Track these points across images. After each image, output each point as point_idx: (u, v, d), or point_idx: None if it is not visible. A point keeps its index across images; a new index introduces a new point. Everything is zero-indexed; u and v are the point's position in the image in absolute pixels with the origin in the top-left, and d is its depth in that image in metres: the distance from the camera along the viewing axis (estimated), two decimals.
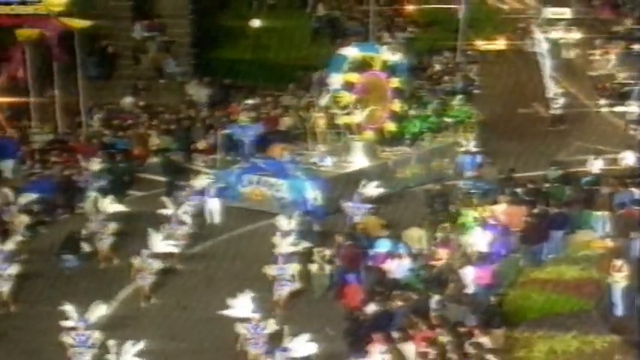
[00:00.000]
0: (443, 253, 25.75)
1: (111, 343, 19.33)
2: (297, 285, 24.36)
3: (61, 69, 38.87)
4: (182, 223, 27.49)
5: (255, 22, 54.55)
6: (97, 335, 20.23)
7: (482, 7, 63.41)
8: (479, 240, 26.52)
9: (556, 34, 58.81)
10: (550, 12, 62.56)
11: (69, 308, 20.47)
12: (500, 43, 56.62)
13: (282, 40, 51.84)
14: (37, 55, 38.93)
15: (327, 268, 24.92)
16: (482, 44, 55.74)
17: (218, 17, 55.38)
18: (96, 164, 32.00)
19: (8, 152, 35.03)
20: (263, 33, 53.87)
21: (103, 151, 36.00)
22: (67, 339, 20.35)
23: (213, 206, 30.48)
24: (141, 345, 19.18)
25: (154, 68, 48.66)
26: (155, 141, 37.64)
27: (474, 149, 35.27)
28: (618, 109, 43.54)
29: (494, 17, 64.08)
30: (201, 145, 37.06)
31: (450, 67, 51.51)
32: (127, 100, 43.21)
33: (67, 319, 20.44)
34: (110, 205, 27.81)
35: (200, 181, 30.49)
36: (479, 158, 34.43)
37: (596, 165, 34.07)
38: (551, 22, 60.63)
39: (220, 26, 54.27)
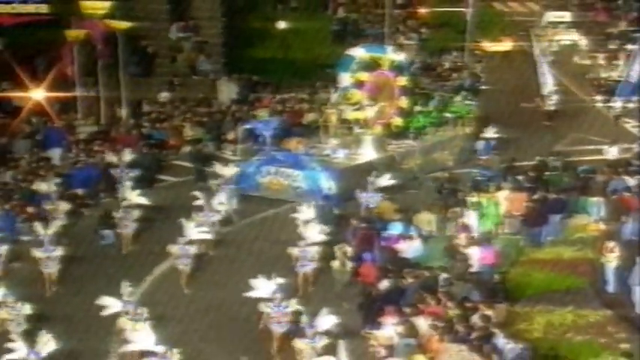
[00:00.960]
0: (462, 237, 25.68)
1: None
2: (317, 264, 24.42)
3: (104, 66, 39.09)
4: (216, 211, 27.45)
5: (281, 24, 54.61)
6: (146, 311, 20.31)
7: (489, 10, 63.15)
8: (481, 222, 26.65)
9: (557, 36, 58.68)
10: (552, 16, 62.39)
11: (108, 298, 20.57)
12: (504, 44, 56.41)
13: (304, 41, 51.87)
14: (84, 54, 39.17)
15: (349, 265, 24.30)
16: (488, 45, 55.56)
17: (247, 19, 55.40)
18: (127, 155, 31.86)
19: (56, 141, 35.30)
20: (288, 34, 53.88)
21: (142, 142, 36.37)
22: (123, 322, 20.36)
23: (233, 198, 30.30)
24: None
25: (189, 66, 48.76)
26: (189, 132, 37.76)
27: (493, 135, 34.89)
28: (610, 103, 43.32)
29: (500, 20, 63.85)
30: (230, 135, 37.11)
31: (458, 65, 51.43)
32: (164, 95, 43.33)
33: (108, 305, 20.51)
34: (137, 197, 27.84)
35: (231, 170, 30.47)
36: (493, 143, 34.07)
37: (611, 152, 33.99)
38: (553, 25, 60.52)
39: (249, 28, 54.33)
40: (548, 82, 43.69)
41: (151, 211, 28.49)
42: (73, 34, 38.81)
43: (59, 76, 38.81)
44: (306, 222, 25.51)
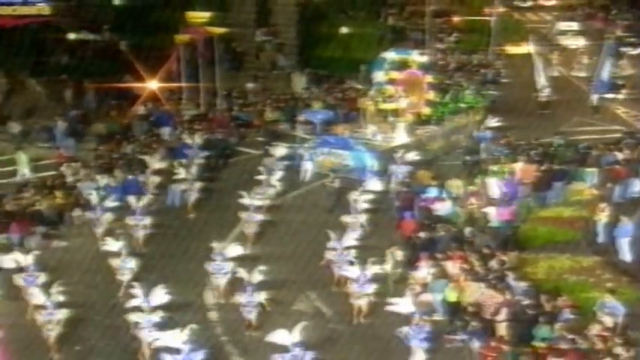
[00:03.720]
0: (473, 200, 25.72)
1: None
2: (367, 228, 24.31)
3: (204, 63, 39.35)
4: (272, 185, 27.17)
5: (343, 29, 54.57)
6: (231, 265, 20.60)
7: (509, 19, 62.53)
8: (500, 188, 26.62)
9: (566, 41, 57.81)
10: (562, 25, 61.48)
11: (216, 244, 20.97)
12: (521, 46, 55.66)
13: (361, 43, 51.72)
14: (188, 54, 39.41)
15: (399, 270, 21.39)
16: (508, 47, 54.89)
17: (316, 26, 55.43)
18: (199, 139, 31.68)
19: (166, 122, 35.63)
20: (348, 37, 53.90)
21: (232, 122, 36.71)
22: (209, 268, 20.79)
23: (308, 167, 30.39)
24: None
25: (269, 62, 49.04)
26: (269, 115, 37.83)
27: (495, 125, 34.28)
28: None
29: (518, 27, 63.13)
30: (300, 118, 37.08)
31: (484, 62, 50.93)
32: (250, 85, 43.53)
33: (211, 255, 20.85)
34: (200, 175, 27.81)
35: (280, 151, 30.23)
36: (489, 133, 33.55)
37: None
38: (562, 33, 59.67)
39: (318, 32, 54.29)
40: (541, 78, 42.91)
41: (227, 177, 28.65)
42: (180, 37, 39.18)
43: (169, 71, 39.21)
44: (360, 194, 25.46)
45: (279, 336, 16.49)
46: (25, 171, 30.06)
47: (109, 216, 24.47)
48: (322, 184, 29.18)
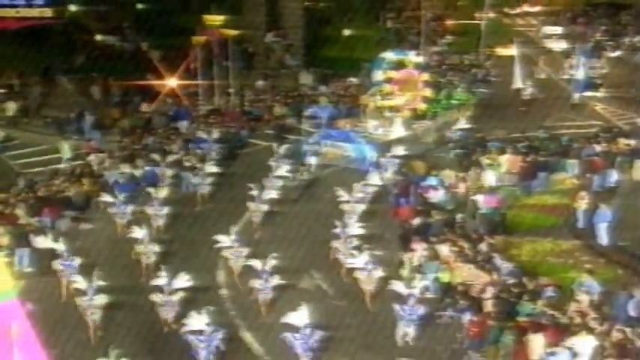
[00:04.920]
0: (461, 186, 25.85)
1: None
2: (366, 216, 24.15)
3: (218, 63, 39.42)
4: (281, 178, 26.95)
5: (346, 32, 54.50)
6: (247, 249, 20.68)
7: (498, 23, 62.27)
8: (489, 177, 26.66)
9: (551, 44, 57.56)
10: (547, 29, 61.20)
11: (222, 236, 20.92)
12: (509, 48, 55.39)
13: (361, 44, 51.69)
14: (204, 54, 39.45)
15: (415, 275, 19.55)
16: (497, 49, 54.66)
17: (321, 28, 55.44)
18: (215, 134, 31.60)
19: (184, 116, 35.75)
20: (350, 39, 53.84)
21: (244, 117, 36.74)
22: (227, 254, 20.81)
23: (313, 161, 30.11)
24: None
25: (278, 62, 49.04)
26: (278, 110, 37.90)
27: (465, 126, 33.77)
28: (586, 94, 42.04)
29: (506, 30, 62.86)
30: (307, 113, 37.03)
31: (474, 63, 50.81)
32: (260, 83, 43.55)
33: (221, 242, 20.86)
34: (212, 167, 27.61)
35: (285, 145, 30.05)
36: (459, 133, 33.10)
37: None
38: (548, 36, 59.41)
39: (322, 34, 54.35)
40: (519, 79, 42.59)
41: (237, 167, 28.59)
42: (197, 39, 39.31)
43: (186, 69, 39.28)
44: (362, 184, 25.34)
45: (292, 318, 16.50)
46: (67, 157, 30.39)
47: (130, 208, 24.36)
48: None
